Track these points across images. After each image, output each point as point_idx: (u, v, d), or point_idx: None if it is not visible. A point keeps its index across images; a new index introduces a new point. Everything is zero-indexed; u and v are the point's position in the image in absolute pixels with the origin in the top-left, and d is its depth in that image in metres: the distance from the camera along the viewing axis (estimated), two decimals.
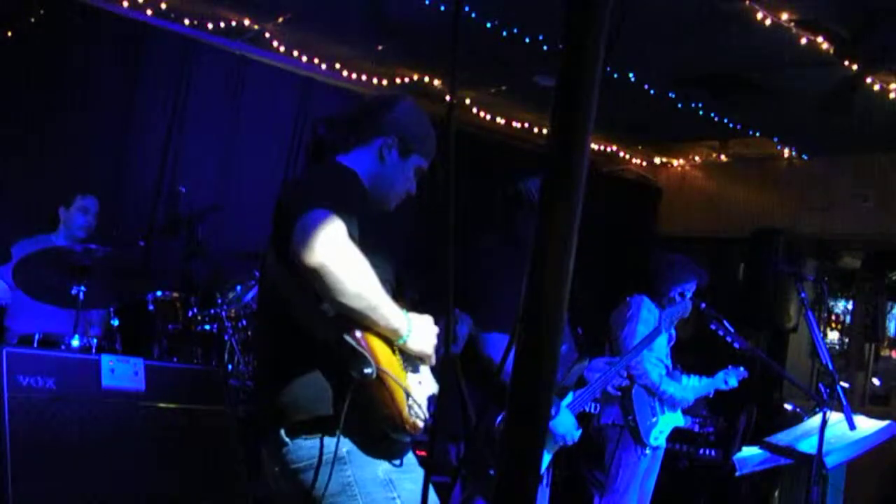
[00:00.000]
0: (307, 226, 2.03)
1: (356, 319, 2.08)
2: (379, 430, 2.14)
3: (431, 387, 2.28)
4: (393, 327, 2.14)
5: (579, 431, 3.74)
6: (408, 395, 2.12)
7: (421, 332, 2.22)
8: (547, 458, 3.68)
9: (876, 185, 7.41)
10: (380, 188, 2.41)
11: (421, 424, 2.14)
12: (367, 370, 2.05)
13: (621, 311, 4.47)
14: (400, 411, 2.10)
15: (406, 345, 2.18)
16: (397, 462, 2.22)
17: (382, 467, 2.18)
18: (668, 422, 4.41)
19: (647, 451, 4.31)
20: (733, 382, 4.66)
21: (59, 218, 4.92)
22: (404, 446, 2.26)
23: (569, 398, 3.72)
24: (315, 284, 2.03)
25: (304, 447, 2.15)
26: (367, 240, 2.17)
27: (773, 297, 7.21)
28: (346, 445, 2.13)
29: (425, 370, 2.29)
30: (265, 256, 2.37)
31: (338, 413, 2.07)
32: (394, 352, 2.17)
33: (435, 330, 2.28)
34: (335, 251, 2.01)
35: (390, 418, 2.11)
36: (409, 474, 2.23)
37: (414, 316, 2.23)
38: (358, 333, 2.08)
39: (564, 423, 3.58)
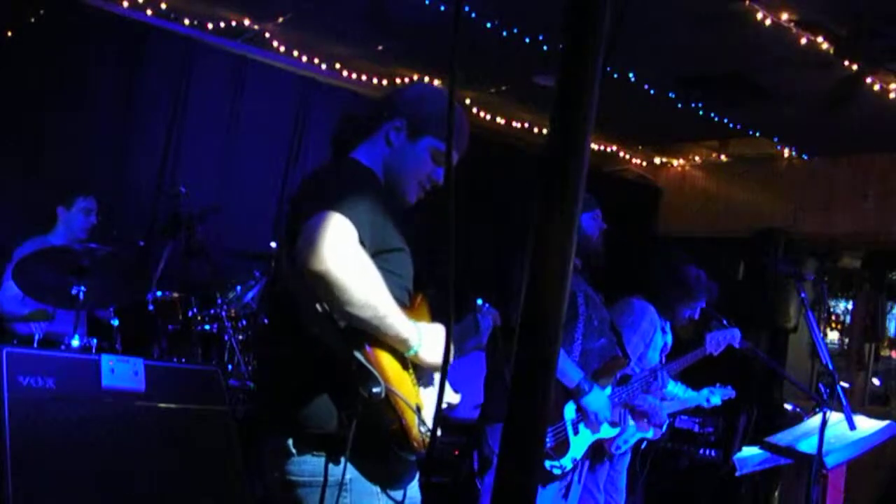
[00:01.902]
0: (314, 229, 1.93)
1: (363, 329, 1.99)
2: (386, 447, 2.08)
3: (449, 397, 2.25)
4: (402, 338, 2.05)
5: (616, 430, 3.74)
6: (418, 412, 2.07)
7: (433, 343, 2.13)
8: (587, 440, 3.66)
9: (876, 185, 7.41)
10: (392, 178, 2.29)
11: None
12: (376, 389, 1.98)
13: (622, 311, 4.40)
14: (409, 429, 2.04)
15: (417, 356, 2.10)
16: (399, 498, 2.16)
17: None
18: (635, 434, 4.34)
19: (608, 459, 4.26)
20: (716, 401, 4.58)
21: (58, 218, 4.91)
22: (410, 466, 2.21)
23: (608, 390, 3.73)
24: (320, 292, 1.93)
25: (309, 463, 2.08)
26: (386, 240, 2.11)
27: (773, 297, 7.21)
28: (349, 472, 2.06)
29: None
30: (278, 258, 2.27)
31: (345, 432, 2.01)
32: (405, 366, 2.10)
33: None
34: (342, 258, 1.91)
35: (398, 435, 2.05)
36: None
37: (426, 327, 2.15)
38: (368, 349, 2.01)
39: (597, 401, 3.59)
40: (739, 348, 4.34)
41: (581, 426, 3.68)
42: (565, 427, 3.63)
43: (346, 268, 1.91)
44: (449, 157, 1.02)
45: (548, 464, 3.53)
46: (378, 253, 2.09)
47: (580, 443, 3.67)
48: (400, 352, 2.09)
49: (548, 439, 3.53)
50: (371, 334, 2.02)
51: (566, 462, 3.59)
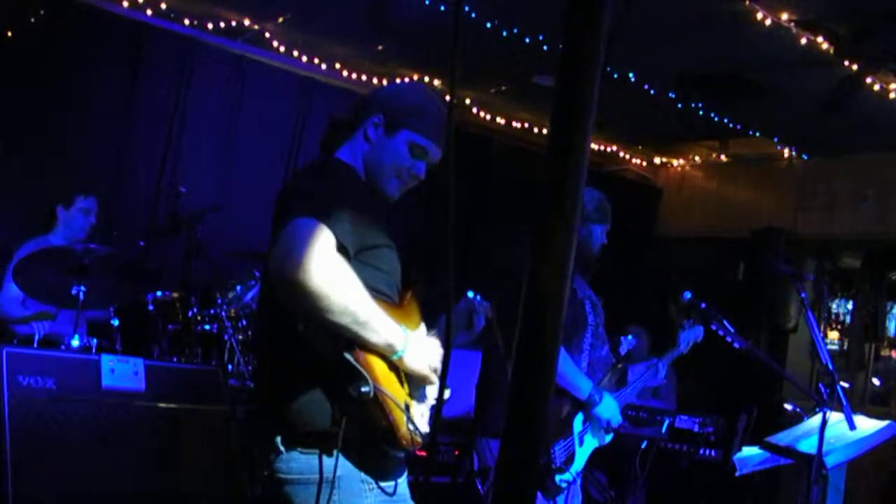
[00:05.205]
0: (289, 237, 1.92)
1: (344, 335, 1.98)
2: (376, 445, 2.09)
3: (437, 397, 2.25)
4: (386, 342, 2.03)
5: (610, 435, 3.75)
6: (406, 411, 2.07)
7: (419, 350, 2.12)
8: (590, 450, 3.68)
9: (876, 185, 7.41)
10: (372, 174, 2.28)
11: (419, 440, 2.10)
12: (365, 389, 1.98)
13: None
14: (398, 427, 2.05)
15: (402, 361, 2.08)
16: (390, 490, 2.17)
17: (369, 501, 2.13)
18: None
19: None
20: (661, 374, 4.60)
21: (57, 217, 4.90)
22: (398, 462, 2.21)
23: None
24: (296, 300, 1.92)
25: (298, 460, 2.09)
26: (369, 238, 2.11)
27: (773, 297, 7.20)
28: (339, 469, 2.07)
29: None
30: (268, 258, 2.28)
31: (336, 430, 2.02)
32: (392, 365, 2.10)
33: (439, 352, 2.16)
34: (317, 266, 1.89)
35: (387, 433, 2.05)
36: None
37: (414, 333, 2.14)
38: (357, 350, 2.00)
39: (609, 408, 3.62)
40: (739, 349, 4.34)
41: (587, 437, 3.70)
42: (573, 441, 3.66)
43: (321, 276, 1.89)
44: (452, 158, 1.02)
45: (557, 478, 3.53)
46: (362, 251, 2.09)
47: (583, 453, 3.70)
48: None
49: (560, 455, 3.56)
50: (350, 338, 2.01)
51: (572, 473, 3.62)
